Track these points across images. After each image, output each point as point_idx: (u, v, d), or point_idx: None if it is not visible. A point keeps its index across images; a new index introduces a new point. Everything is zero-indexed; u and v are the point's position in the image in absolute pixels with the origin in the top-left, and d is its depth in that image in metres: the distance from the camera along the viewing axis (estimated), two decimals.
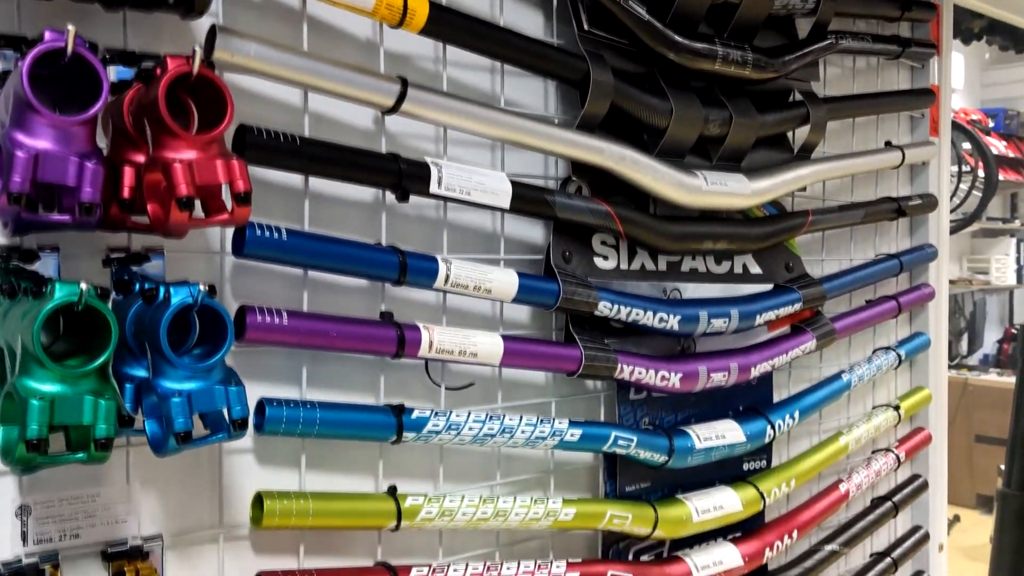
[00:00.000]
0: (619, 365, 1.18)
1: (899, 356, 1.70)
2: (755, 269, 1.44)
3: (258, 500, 0.92)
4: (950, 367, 5.65)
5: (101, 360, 0.68)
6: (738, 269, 1.42)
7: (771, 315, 1.40)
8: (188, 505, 0.91)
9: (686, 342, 1.36)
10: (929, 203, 1.77)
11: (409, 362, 1.07)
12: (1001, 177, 5.09)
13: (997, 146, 5.26)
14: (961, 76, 5.65)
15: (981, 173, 4.97)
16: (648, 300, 1.23)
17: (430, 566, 1.03)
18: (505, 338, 1.08)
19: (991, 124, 5.53)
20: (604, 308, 1.16)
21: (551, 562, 1.13)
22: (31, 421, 0.65)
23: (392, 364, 1.05)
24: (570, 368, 1.15)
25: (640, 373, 1.22)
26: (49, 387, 0.67)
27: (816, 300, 1.47)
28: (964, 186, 5.06)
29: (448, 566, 1.04)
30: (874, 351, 1.70)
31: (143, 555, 0.86)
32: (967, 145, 5.02)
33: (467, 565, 1.05)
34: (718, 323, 1.31)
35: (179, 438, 0.71)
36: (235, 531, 0.94)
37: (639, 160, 1.19)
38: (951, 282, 6.01)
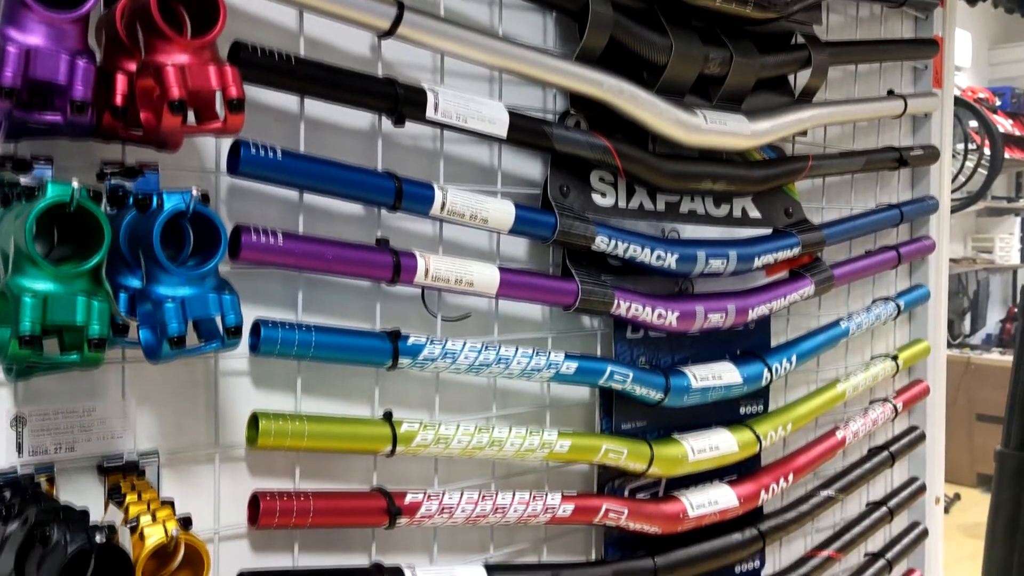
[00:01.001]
0: (616, 300, 1.18)
1: (898, 306, 1.69)
2: (754, 213, 1.44)
3: (253, 420, 0.92)
4: (952, 346, 5.69)
5: (94, 261, 0.68)
6: (737, 213, 1.42)
7: (769, 258, 1.40)
8: (184, 424, 0.91)
9: (684, 283, 1.36)
10: (931, 154, 1.76)
11: (405, 293, 1.07)
12: (1007, 156, 5.06)
13: (1004, 124, 5.23)
14: (968, 55, 5.63)
15: (987, 151, 4.95)
16: (646, 237, 1.23)
17: (425, 492, 1.03)
18: (502, 269, 1.08)
19: (998, 103, 5.50)
20: (601, 243, 1.16)
21: (546, 493, 1.14)
22: (23, 317, 0.65)
23: (388, 294, 1.06)
24: (566, 302, 1.15)
25: (637, 310, 1.22)
26: (42, 285, 0.67)
27: (815, 245, 1.47)
28: (970, 164, 5.04)
29: (443, 493, 1.05)
30: (873, 301, 1.70)
31: (139, 471, 0.86)
32: (973, 123, 5.00)
33: (462, 493, 1.06)
34: (716, 263, 1.31)
35: (172, 343, 0.72)
36: (231, 452, 0.95)
37: (638, 94, 1.18)
38: (954, 261, 6.02)
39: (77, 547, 0.70)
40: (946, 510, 5.21)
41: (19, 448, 0.80)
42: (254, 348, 0.91)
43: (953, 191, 5.20)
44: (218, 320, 0.76)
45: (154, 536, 0.74)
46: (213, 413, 0.93)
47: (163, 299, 0.72)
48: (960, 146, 4.96)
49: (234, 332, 0.75)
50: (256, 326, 0.91)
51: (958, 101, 5.00)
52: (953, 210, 5.22)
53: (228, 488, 0.94)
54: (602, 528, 1.28)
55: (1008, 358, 5.26)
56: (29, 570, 0.73)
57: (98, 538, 0.69)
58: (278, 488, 0.95)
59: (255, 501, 0.93)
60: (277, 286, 0.98)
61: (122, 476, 0.85)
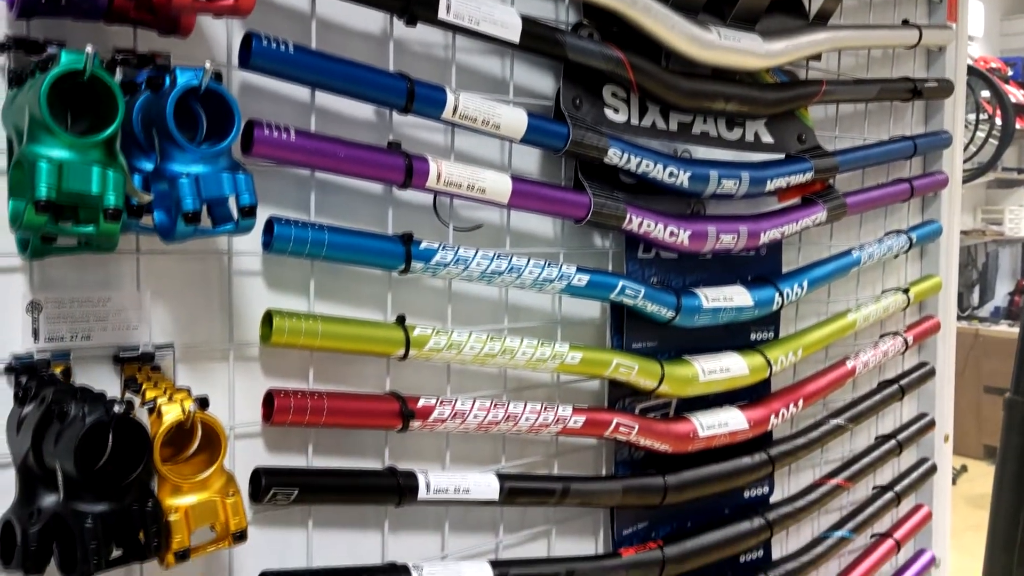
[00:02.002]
0: (628, 215, 1.18)
1: (910, 239, 1.69)
2: (767, 138, 1.43)
3: (267, 318, 0.93)
4: (961, 318, 5.67)
5: (109, 131, 0.68)
6: (749, 137, 1.41)
7: (782, 182, 1.39)
8: (198, 320, 0.92)
9: (696, 205, 1.35)
10: (945, 88, 1.75)
11: (417, 201, 1.07)
12: (1018, 126, 5.01)
13: (1016, 95, 5.18)
14: (981, 25, 5.56)
15: (998, 121, 4.91)
16: (659, 154, 1.22)
17: (438, 397, 1.04)
18: (514, 178, 1.07)
19: (1010, 73, 5.45)
20: (614, 156, 1.16)
21: (557, 405, 1.14)
22: (40, 183, 0.65)
23: (400, 203, 1.05)
24: (578, 214, 1.14)
25: (649, 226, 1.21)
26: (57, 153, 0.67)
27: (828, 171, 1.46)
28: (981, 134, 4.99)
29: (456, 399, 1.05)
30: (885, 234, 1.69)
31: (154, 363, 0.87)
32: (986, 93, 4.95)
33: (474, 400, 1.06)
34: (728, 184, 1.30)
35: (187, 218, 0.72)
36: (245, 351, 0.95)
37: (652, 6, 1.17)
38: (964, 233, 5.98)
39: (95, 418, 0.70)
40: (953, 481, 5.23)
41: (35, 334, 0.81)
42: (267, 246, 0.91)
43: (964, 162, 5.17)
44: (232, 202, 0.76)
45: (172, 413, 0.75)
46: (227, 311, 0.93)
47: (177, 175, 0.72)
48: (971, 116, 4.92)
49: (248, 212, 0.75)
50: (269, 223, 0.91)
51: (970, 70, 4.95)
52: (964, 181, 5.20)
53: (242, 387, 0.95)
54: (612, 447, 1.29)
55: (1016, 330, 5.24)
56: (47, 446, 0.73)
57: (116, 408, 0.70)
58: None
59: (269, 398, 0.93)
60: (290, 188, 0.97)
61: (138, 368, 0.86)
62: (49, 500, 0.73)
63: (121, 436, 0.73)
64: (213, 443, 0.79)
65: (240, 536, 0.78)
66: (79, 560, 0.70)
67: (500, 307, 1.17)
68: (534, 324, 1.19)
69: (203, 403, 0.77)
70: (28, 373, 0.78)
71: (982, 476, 4.97)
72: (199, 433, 0.80)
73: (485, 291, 1.15)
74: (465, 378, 1.13)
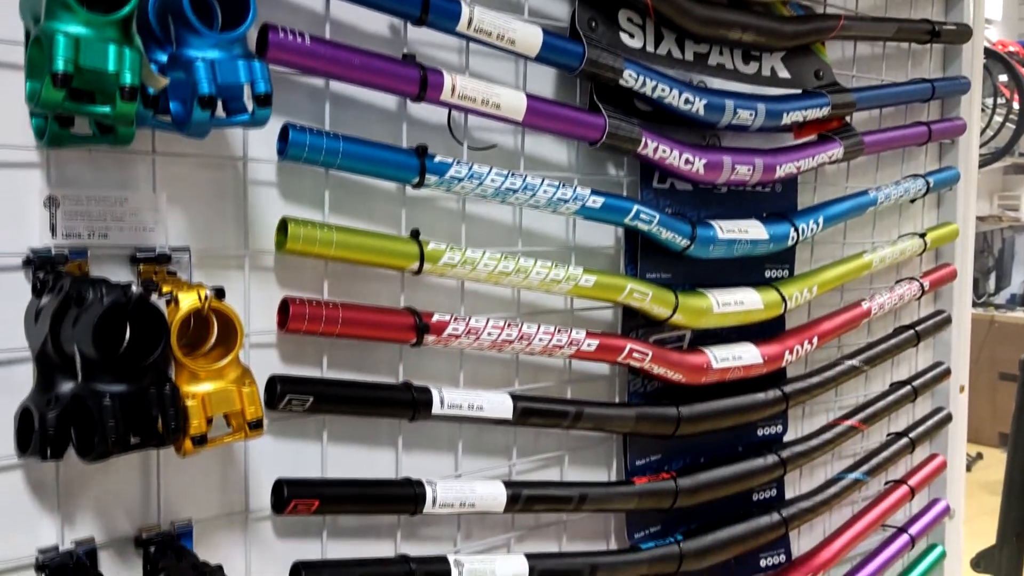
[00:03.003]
0: (643, 139, 1.17)
1: (927, 183, 1.67)
2: (783, 73, 1.42)
3: (283, 226, 0.93)
4: (976, 305, 5.61)
5: (126, 9, 0.68)
6: (766, 71, 1.40)
7: (798, 116, 1.38)
8: (214, 227, 0.92)
9: (711, 138, 1.35)
10: (963, 32, 1.72)
11: (431, 121, 1.07)
12: None
13: None
14: (999, 8, 5.50)
15: (1016, 105, 4.86)
16: (675, 80, 1.21)
17: (452, 314, 1.04)
18: (529, 96, 1.07)
19: None
20: (629, 78, 1.15)
21: (571, 328, 1.14)
22: (56, 55, 0.65)
23: (414, 119, 1.05)
24: (593, 136, 1.14)
25: (664, 152, 1.21)
26: (75, 28, 0.67)
27: (845, 107, 1.45)
28: (998, 118, 4.94)
29: (470, 317, 1.05)
30: (903, 178, 1.68)
31: (171, 265, 0.87)
32: (1003, 77, 4.89)
33: (488, 319, 1.06)
34: (744, 114, 1.29)
35: (202, 103, 0.72)
36: (260, 260, 0.95)
37: None
38: (980, 219, 5.93)
39: (113, 299, 0.71)
40: (968, 468, 5.21)
41: (52, 229, 0.81)
42: (282, 152, 0.92)
43: (980, 147, 5.11)
44: (247, 92, 0.76)
45: (188, 300, 0.75)
46: (243, 218, 0.94)
47: (193, 59, 0.72)
48: (989, 100, 4.87)
49: (263, 101, 0.75)
50: (285, 130, 0.91)
51: (988, 53, 4.89)
52: (980, 166, 5.13)
53: (257, 298, 0.95)
54: (625, 379, 1.29)
55: None
56: (65, 332, 0.74)
57: (134, 288, 0.70)
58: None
59: (285, 306, 0.93)
60: (304, 100, 0.97)
61: (154, 270, 0.86)
62: (67, 387, 0.74)
63: (139, 320, 0.73)
64: (230, 338, 0.80)
65: (256, 425, 0.78)
66: (97, 440, 0.70)
67: (514, 232, 1.16)
68: (548, 249, 1.19)
69: (219, 293, 0.77)
70: (46, 265, 0.79)
71: (997, 464, 4.92)
72: (215, 327, 0.80)
73: (499, 215, 1.15)
74: (478, 300, 1.13)
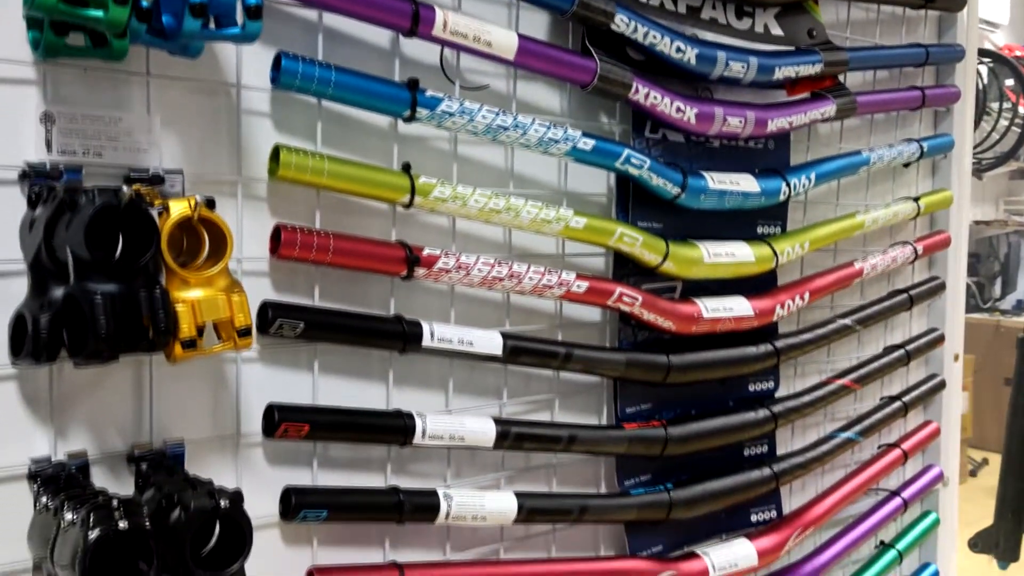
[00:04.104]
0: (634, 84, 1.19)
1: (921, 148, 1.68)
2: (776, 31, 1.43)
3: (275, 154, 0.94)
4: (982, 310, 5.58)
5: None
6: (759, 28, 1.41)
7: (791, 71, 1.39)
8: (207, 152, 0.93)
9: (703, 91, 1.36)
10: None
11: (424, 61, 1.08)
12: None
13: None
14: (1006, 12, 5.50)
15: (1021, 110, 4.86)
16: (666, 28, 1.23)
17: (443, 250, 1.05)
18: (520, 36, 1.08)
19: None
20: (621, 22, 1.16)
21: (561, 270, 1.15)
22: None
23: (406, 59, 1.07)
24: (584, 79, 1.15)
25: (655, 99, 1.22)
26: None
27: (838, 65, 1.46)
28: (1004, 122, 4.95)
29: (460, 253, 1.07)
30: (897, 141, 1.69)
31: (164, 187, 0.89)
32: (1010, 81, 4.90)
33: (478, 257, 1.08)
34: (736, 67, 1.31)
35: (194, 10, 0.73)
36: (253, 187, 0.97)
37: None
38: (985, 223, 5.93)
39: (104, 201, 0.72)
40: (974, 474, 5.18)
41: (48, 145, 0.83)
42: (274, 81, 0.93)
43: (985, 150, 5.13)
44: (238, 5, 0.77)
45: (178, 207, 0.77)
46: (236, 146, 0.95)
47: None
48: (995, 104, 4.87)
49: (254, 14, 0.77)
50: (278, 58, 0.93)
51: (995, 57, 4.91)
52: (985, 170, 5.15)
53: (250, 227, 0.96)
54: (616, 327, 1.30)
55: None
56: (58, 238, 0.76)
57: (125, 190, 0.72)
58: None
59: (277, 233, 0.95)
60: (297, 33, 0.99)
61: (151, 188, 0.87)
62: (60, 292, 0.76)
63: (130, 226, 0.75)
64: (220, 251, 0.81)
65: (245, 332, 0.80)
66: (88, 338, 0.72)
67: (505, 175, 1.18)
68: (539, 192, 1.20)
69: (210, 203, 0.79)
70: (41, 178, 0.81)
71: None
72: (207, 242, 0.82)
73: (491, 158, 1.17)
74: (470, 243, 1.15)
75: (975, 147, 5.06)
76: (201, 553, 0.82)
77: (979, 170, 5.28)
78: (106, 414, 0.88)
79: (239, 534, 0.82)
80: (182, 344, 0.76)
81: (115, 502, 0.74)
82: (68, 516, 0.75)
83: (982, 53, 4.91)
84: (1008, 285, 6.02)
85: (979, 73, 4.80)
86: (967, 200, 1.86)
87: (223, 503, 0.78)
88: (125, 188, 0.73)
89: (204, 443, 0.95)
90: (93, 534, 0.71)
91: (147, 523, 0.73)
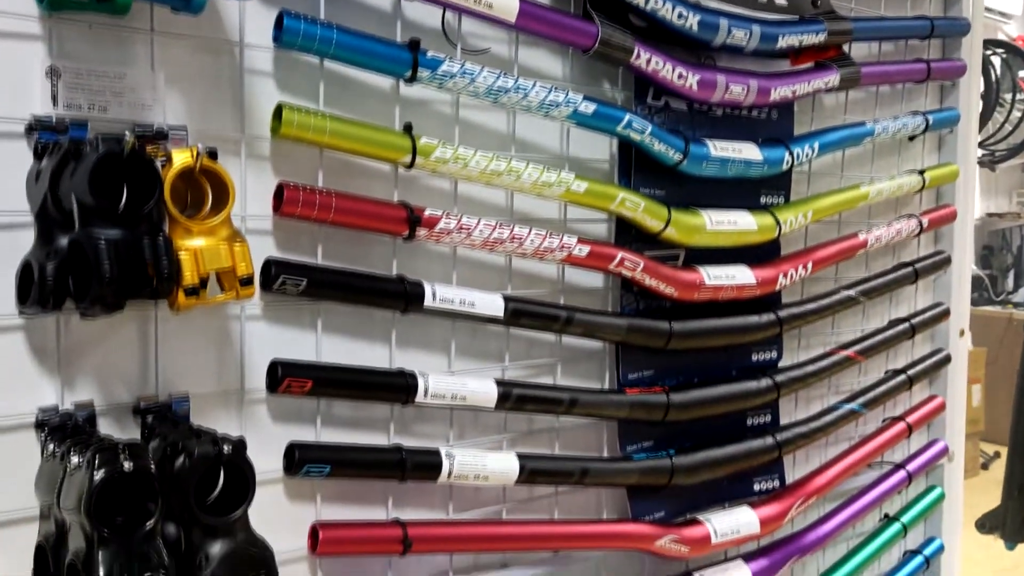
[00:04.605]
0: (636, 49, 1.19)
1: (926, 120, 1.68)
2: (780, 0, 1.43)
3: (278, 112, 0.95)
4: (995, 303, 5.54)
5: None
6: None
7: (794, 40, 1.39)
8: (210, 111, 0.94)
9: (706, 59, 1.36)
10: None
11: (425, 25, 1.09)
12: None
13: None
14: (1020, 3, 5.47)
15: None
16: None
17: (445, 211, 1.06)
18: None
19: None
20: None
21: (563, 234, 1.16)
22: None
23: (407, 22, 1.07)
24: (585, 43, 1.16)
25: (657, 65, 1.22)
26: None
27: (842, 35, 1.46)
28: (1017, 114, 4.92)
29: (462, 215, 1.07)
30: (902, 114, 1.69)
31: (167, 142, 0.90)
32: (1023, 73, 4.87)
33: (479, 219, 1.09)
34: (739, 34, 1.31)
35: None
36: (256, 146, 0.98)
37: None
38: (999, 215, 5.89)
39: (107, 148, 0.73)
40: (985, 466, 5.15)
41: (54, 99, 0.84)
42: (277, 39, 0.94)
43: (998, 142, 5.11)
44: None
45: (181, 157, 0.78)
46: (239, 103, 0.96)
47: None
48: (1008, 96, 4.85)
49: None
50: (280, 17, 0.94)
51: (1008, 48, 4.88)
52: (998, 161, 5.12)
53: (253, 186, 0.98)
54: (618, 294, 1.30)
55: None
56: (63, 185, 0.77)
57: (128, 137, 0.73)
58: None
59: (280, 191, 0.96)
60: None
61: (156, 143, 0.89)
62: (65, 240, 0.77)
63: (134, 174, 0.76)
64: (222, 202, 0.82)
65: (247, 282, 0.81)
66: (93, 283, 0.73)
67: (507, 139, 1.19)
68: (541, 157, 1.21)
69: (212, 153, 0.80)
70: (47, 132, 0.82)
71: None
72: (209, 195, 0.83)
73: (492, 122, 1.17)
74: (471, 207, 1.15)
75: (987, 139, 5.04)
76: (206, 502, 0.83)
77: (992, 162, 5.25)
78: (113, 366, 0.90)
79: (243, 482, 0.83)
80: (185, 291, 0.77)
81: (121, 445, 0.75)
82: (74, 460, 0.77)
83: (995, 44, 4.89)
84: (1021, 277, 5.98)
85: (992, 64, 4.78)
86: (973, 176, 1.85)
87: (226, 448, 0.79)
88: (128, 135, 0.74)
89: (209, 398, 0.96)
90: (99, 475, 0.73)
91: (152, 466, 0.75)
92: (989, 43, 4.82)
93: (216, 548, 0.80)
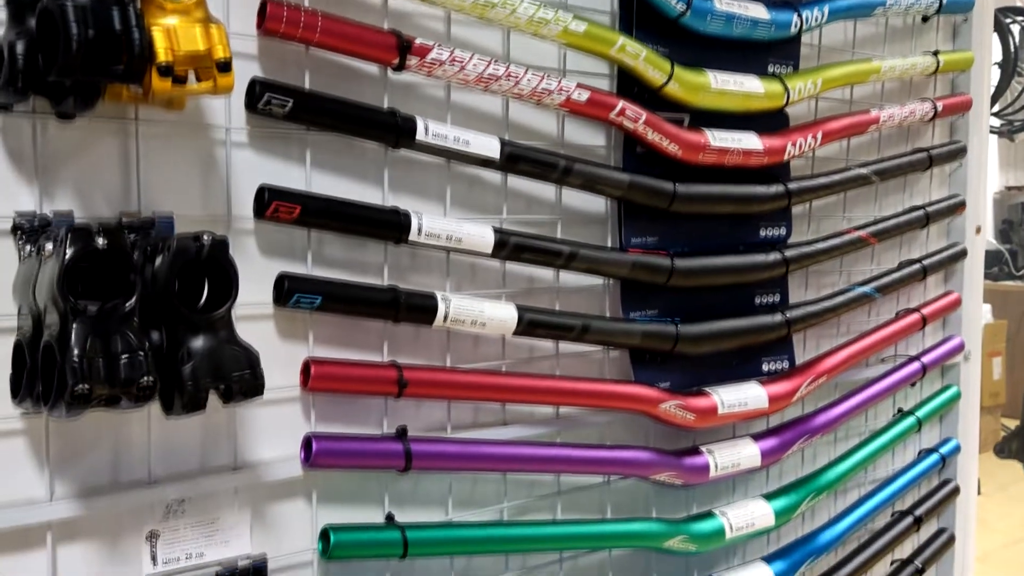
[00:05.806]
0: None
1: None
2: None
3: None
4: (1016, 277, 5.37)
5: None
6: None
7: None
8: None
9: None
10: None
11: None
12: None
13: None
14: None
15: None
16: None
17: (437, 42, 1.03)
18: None
19: None
20: None
21: (562, 77, 1.12)
22: None
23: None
24: None
25: None
26: None
27: None
28: None
29: (454, 48, 1.04)
30: None
31: None
32: None
33: (473, 54, 1.05)
34: None
35: None
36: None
37: None
38: (1018, 188, 5.75)
39: None
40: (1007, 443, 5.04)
41: None
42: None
43: (1018, 110, 4.99)
44: None
45: None
46: None
47: None
48: None
49: None
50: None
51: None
52: (1017, 131, 5.01)
53: (237, 7, 0.94)
54: (621, 155, 1.26)
55: None
56: None
57: None
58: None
59: (264, 8, 0.92)
60: None
61: None
62: (35, 20, 0.74)
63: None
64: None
65: (225, 67, 0.77)
66: (61, 48, 0.70)
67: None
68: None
69: None
70: None
71: None
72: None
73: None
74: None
75: (1005, 108, 4.95)
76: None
77: (1012, 131, 5.15)
78: (93, 179, 0.87)
79: (226, 284, 0.80)
80: (159, 70, 0.74)
81: (96, 225, 0.73)
82: (48, 246, 0.74)
83: (1014, 11, 4.79)
84: None
85: (1011, 32, 4.68)
86: (988, 62, 1.80)
87: (206, 238, 0.77)
88: None
89: (194, 223, 0.93)
90: (71, 251, 0.70)
91: (128, 246, 0.72)
92: (1007, 11, 4.73)
93: (199, 343, 0.77)
